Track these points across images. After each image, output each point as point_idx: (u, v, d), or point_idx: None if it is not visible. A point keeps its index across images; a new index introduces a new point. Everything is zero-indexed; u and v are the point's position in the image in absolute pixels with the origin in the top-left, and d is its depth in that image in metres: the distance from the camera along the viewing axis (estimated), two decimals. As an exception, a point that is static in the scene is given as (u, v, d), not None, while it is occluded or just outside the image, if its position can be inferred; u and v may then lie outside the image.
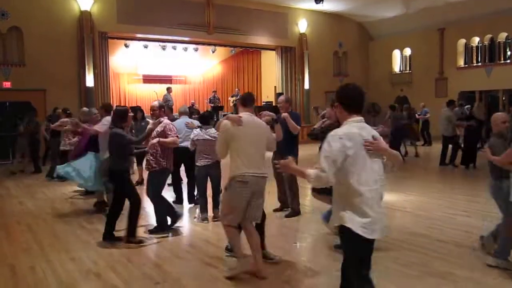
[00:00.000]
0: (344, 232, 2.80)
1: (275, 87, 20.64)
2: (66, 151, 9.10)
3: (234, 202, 4.14)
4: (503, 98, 18.37)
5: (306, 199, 7.14)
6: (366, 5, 19.17)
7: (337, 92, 2.94)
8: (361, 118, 2.85)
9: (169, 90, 18.06)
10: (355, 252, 2.83)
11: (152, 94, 18.91)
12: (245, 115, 4.29)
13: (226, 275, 4.25)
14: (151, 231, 5.79)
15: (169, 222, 5.90)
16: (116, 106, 5.82)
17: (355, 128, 2.79)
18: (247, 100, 4.47)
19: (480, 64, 18.90)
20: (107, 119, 6.26)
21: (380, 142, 2.80)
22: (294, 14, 19.93)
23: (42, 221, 6.63)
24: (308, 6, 19.31)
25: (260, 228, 4.48)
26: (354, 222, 2.71)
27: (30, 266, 4.69)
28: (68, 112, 10.38)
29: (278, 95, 19.99)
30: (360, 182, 2.71)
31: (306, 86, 20.01)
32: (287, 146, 5.76)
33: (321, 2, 17.68)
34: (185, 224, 6.32)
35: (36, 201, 8.16)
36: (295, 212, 6.52)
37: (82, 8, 14.82)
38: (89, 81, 14.81)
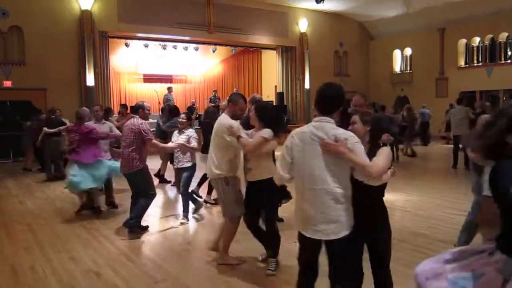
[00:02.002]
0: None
1: (275, 86, 20.66)
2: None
3: (240, 194, 4.46)
4: (504, 98, 18.35)
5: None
6: (367, 4, 19.17)
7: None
8: (321, 118, 2.87)
9: (169, 90, 18.08)
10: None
11: (153, 93, 18.93)
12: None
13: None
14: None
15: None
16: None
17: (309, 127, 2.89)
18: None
19: (480, 64, 18.90)
20: None
21: (338, 145, 2.75)
22: (294, 14, 19.93)
23: (42, 221, 6.63)
24: (309, 6, 19.32)
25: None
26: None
27: (30, 265, 4.70)
28: (53, 116, 10.49)
29: (278, 94, 20.03)
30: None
31: (307, 85, 20.02)
32: None
33: (321, 2, 17.71)
34: (185, 222, 6.32)
35: (36, 200, 8.17)
36: None
37: (83, 7, 14.83)
38: (90, 80, 14.81)
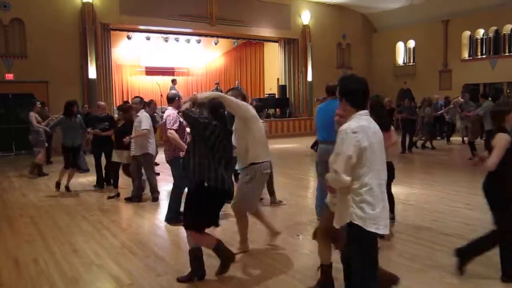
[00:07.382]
0: (353, 230, 2.67)
1: (278, 79, 20.59)
2: None
3: (260, 189, 4.75)
4: (507, 91, 18.25)
5: (309, 191, 7.13)
6: (370, -4, 19.04)
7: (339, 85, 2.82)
8: (366, 111, 2.74)
9: (174, 82, 17.91)
10: (368, 251, 2.72)
11: (155, 86, 18.89)
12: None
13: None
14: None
15: None
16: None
17: (365, 121, 2.70)
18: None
19: (484, 56, 18.77)
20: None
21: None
22: (297, 6, 19.79)
23: (45, 213, 6.63)
24: (312, -3, 19.18)
25: None
26: (366, 219, 2.62)
27: (33, 258, 4.70)
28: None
29: (281, 87, 19.97)
30: (373, 176, 2.64)
31: (309, 78, 19.93)
32: None
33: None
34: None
35: (39, 193, 8.17)
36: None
37: (84, 0, 14.76)
38: (92, 73, 14.77)
